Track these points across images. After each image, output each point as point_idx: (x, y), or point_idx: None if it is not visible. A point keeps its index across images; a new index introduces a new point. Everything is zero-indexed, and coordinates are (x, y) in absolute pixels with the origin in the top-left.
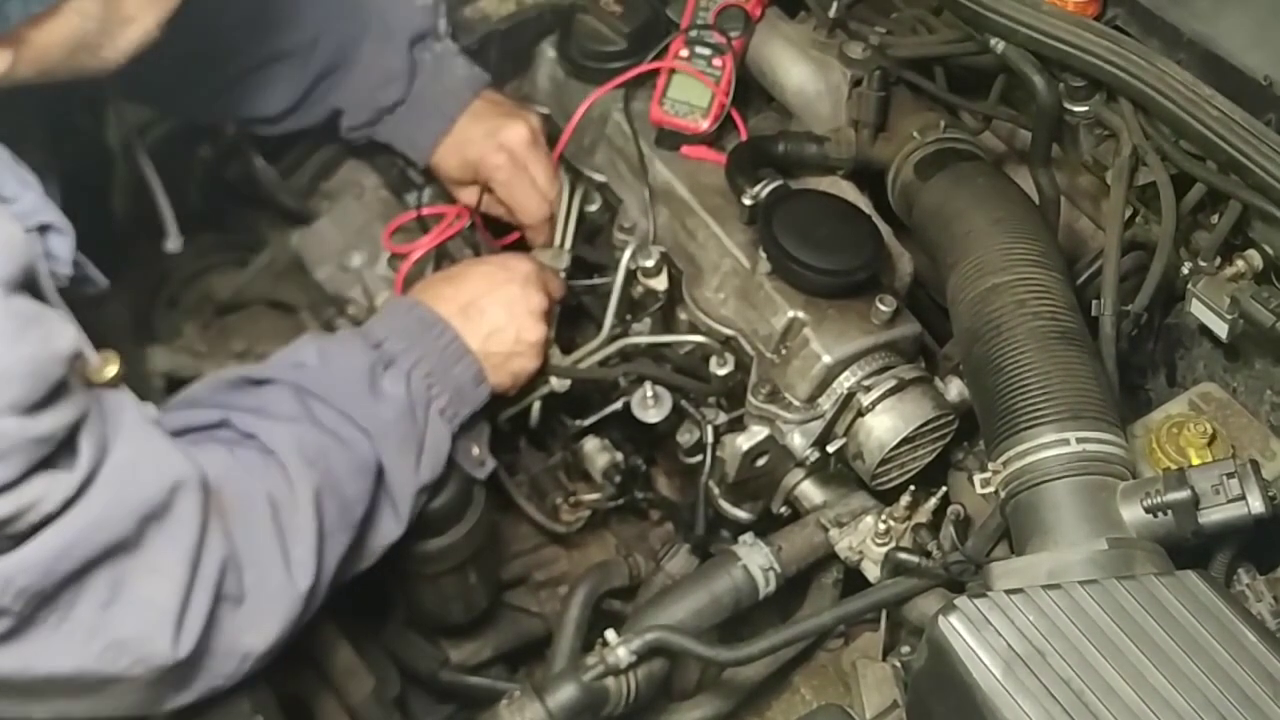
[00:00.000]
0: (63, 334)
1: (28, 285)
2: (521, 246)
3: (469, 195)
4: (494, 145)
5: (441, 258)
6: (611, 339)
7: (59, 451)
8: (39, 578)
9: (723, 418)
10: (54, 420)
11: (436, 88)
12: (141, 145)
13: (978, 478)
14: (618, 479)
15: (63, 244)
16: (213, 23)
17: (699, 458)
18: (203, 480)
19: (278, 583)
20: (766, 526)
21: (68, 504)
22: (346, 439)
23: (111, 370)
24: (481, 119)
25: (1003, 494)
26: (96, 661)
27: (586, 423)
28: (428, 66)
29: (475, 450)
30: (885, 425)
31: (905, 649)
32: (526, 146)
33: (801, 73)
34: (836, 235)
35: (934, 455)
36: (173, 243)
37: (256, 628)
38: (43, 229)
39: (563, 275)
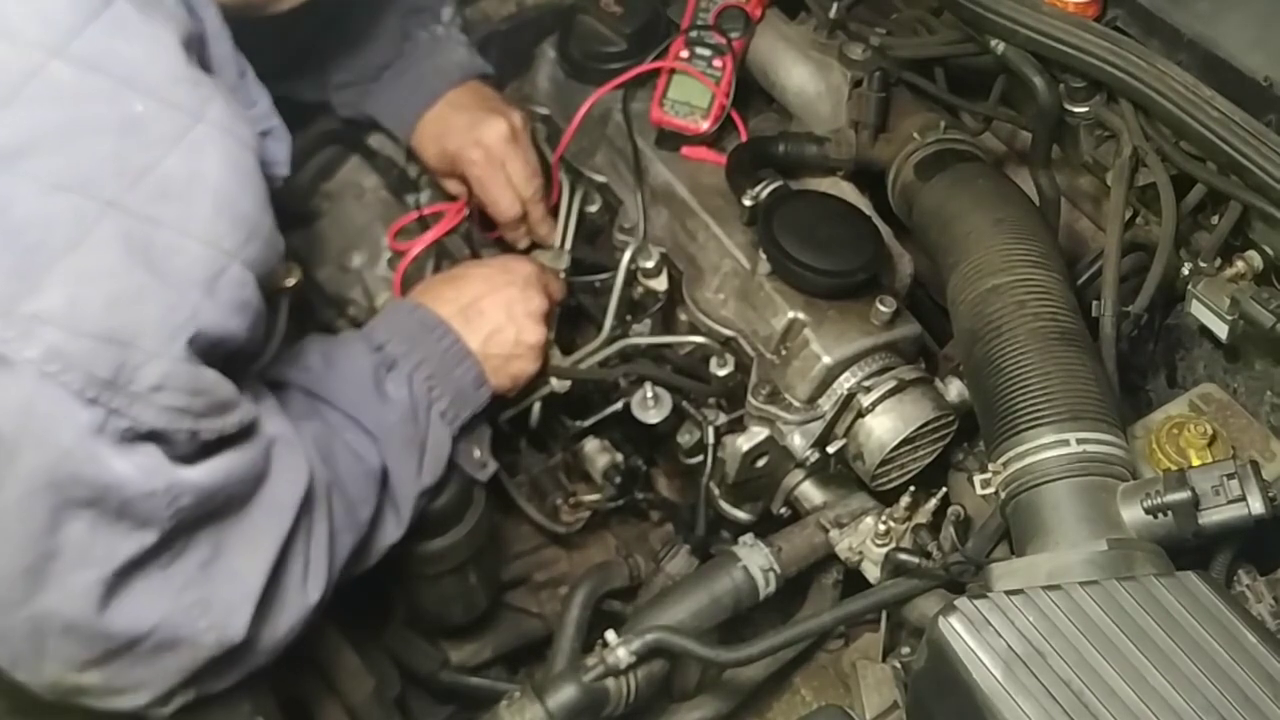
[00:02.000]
0: (279, 235)
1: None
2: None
3: (454, 185)
4: (472, 140)
5: (441, 258)
6: (611, 340)
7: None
8: (196, 503)
9: (723, 418)
10: (263, 307)
11: (427, 64)
12: None
13: (978, 478)
14: (618, 480)
15: (280, 147)
16: None
17: (699, 458)
18: (312, 481)
19: (293, 584)
20: (766, 527)
21: (241, 433)
22: (354, 443)
23: (293, 279)
24: (465, 110)
25: (1003, 495)
26: (184, 614)
27: (587, 424)
28: (423, 42)
29: (477, 453)
30: (885, 426)
31: (905, 650)
32: (504, 143)
33: (802, 73)
34: (836, 236)
35: (934, 456)
36: None
37: (270, 624)
38: (263, 134)
39: (563, 276)
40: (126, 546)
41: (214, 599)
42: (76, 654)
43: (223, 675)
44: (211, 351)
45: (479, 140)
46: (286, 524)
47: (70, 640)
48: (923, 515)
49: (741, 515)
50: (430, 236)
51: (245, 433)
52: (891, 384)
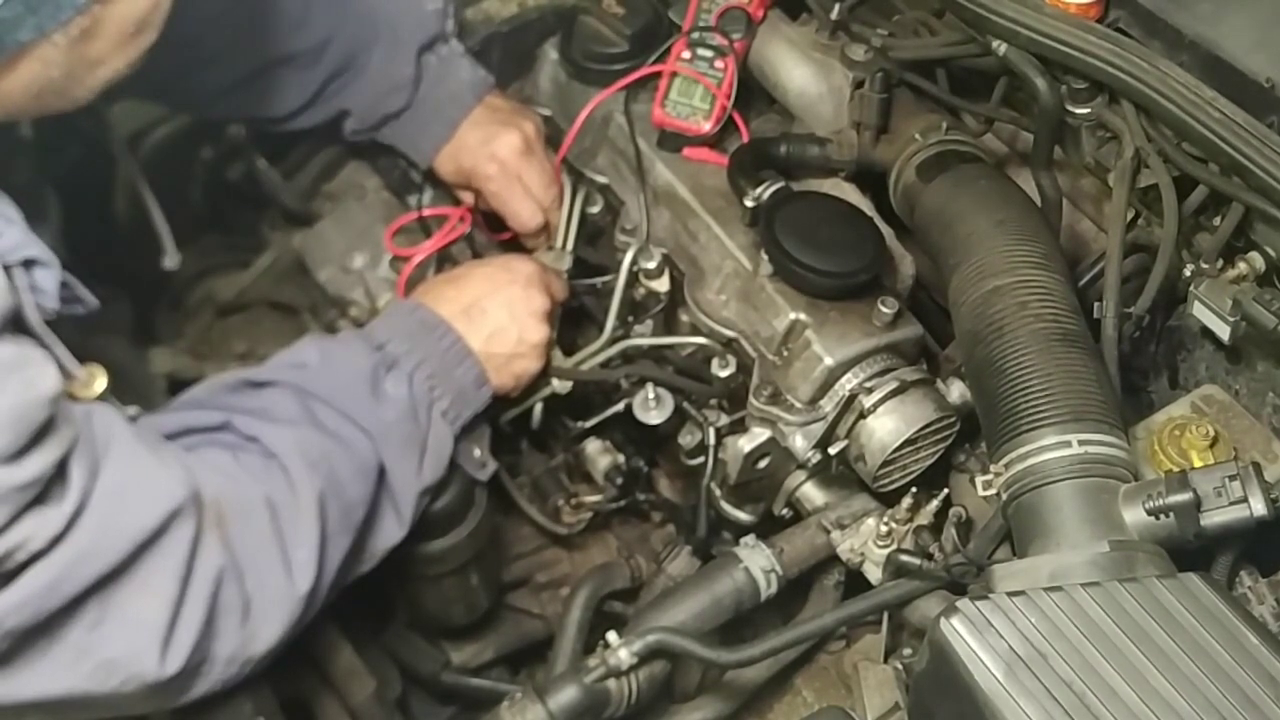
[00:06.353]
0: (45, 375)
1: (10, 324)
2: (519, 243)
3: (469, 197)
4: (487, 155)
5: (443, 260)
6: (613, 341)
7: (48, 486)
8: (28, 616)
9: (724, 420)
10: (40, 462)
11: (441, 93)
12: (135, 160)
13: (979, 480)
14: (619, 481)
15: (48, 278)
16: (223, 23)
17: (701, 460)
18: (196, 496)
19: (278, 587)
20: (768, 528)
21: (57, 540)
22: (348, 440)
23: (99, 385)
24: (479, 126)
25: (1004, 496)
26: (86, 682)
27: (588, 424)
28: (433, 70)
29: (477, 452)
30: (887, 427)
31: (907, 651)
32: (519, 156)
33: (803, 75)
34: (838, 237)
35: (935, 457)
36: (170, 260)
37: (256, 632)
38: (27, 263)
39: (565, 277)
40: None
41: (116, 657)
42: None
43: (228, 679)
44: None
45: (493, 155)
46: (182, 553)
47: None
48: (924, 516)
49: (743, 516)
50: (435, 245)
51: (68, 527)
52: (893, 385)
